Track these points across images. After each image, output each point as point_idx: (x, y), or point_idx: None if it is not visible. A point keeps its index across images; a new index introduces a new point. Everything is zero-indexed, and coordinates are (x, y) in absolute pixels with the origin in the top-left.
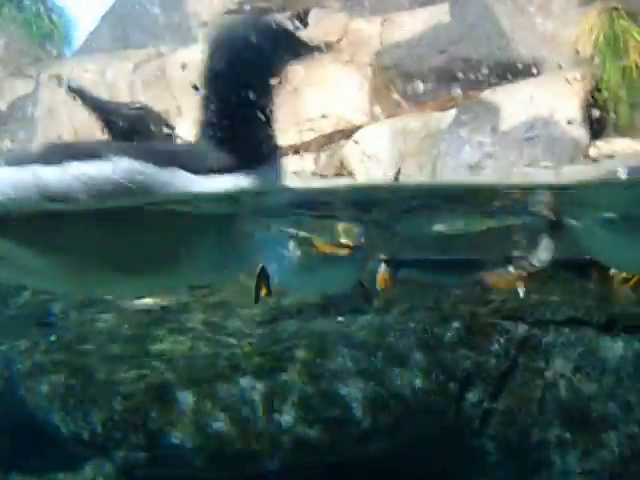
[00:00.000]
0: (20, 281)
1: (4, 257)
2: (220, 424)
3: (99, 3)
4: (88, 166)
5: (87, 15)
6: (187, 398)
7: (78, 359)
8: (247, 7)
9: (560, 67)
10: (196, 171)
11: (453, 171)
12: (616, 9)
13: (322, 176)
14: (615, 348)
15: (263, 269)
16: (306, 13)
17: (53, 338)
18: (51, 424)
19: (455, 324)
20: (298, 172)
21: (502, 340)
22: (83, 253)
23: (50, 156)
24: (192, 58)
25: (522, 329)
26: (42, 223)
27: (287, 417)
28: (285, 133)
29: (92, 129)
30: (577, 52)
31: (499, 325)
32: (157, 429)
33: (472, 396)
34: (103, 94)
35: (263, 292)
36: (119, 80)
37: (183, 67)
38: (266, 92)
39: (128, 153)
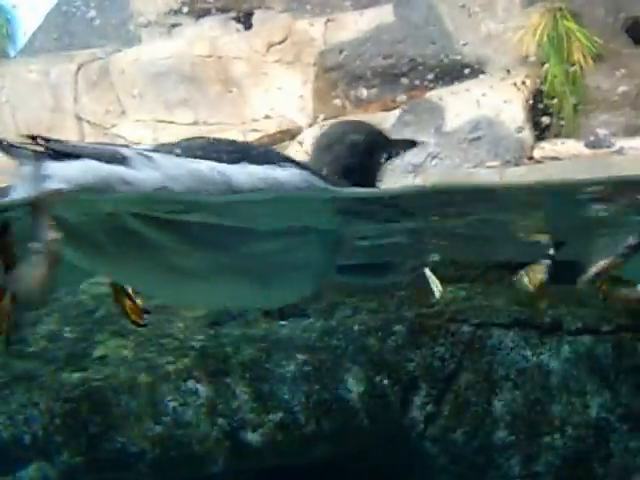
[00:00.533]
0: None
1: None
2: (163, 428)
3: (43, 2)
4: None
5: (31, 14)
6: (129, 402)
7: (19, 362)
8: (185, 10)
9: (504, 67)
10: None
11: (397, 171)
12: (560, 9)
13: None
14: (560, 350)
15: None
16: (250, 14)
17: None
18: None
19: (399, 327)
20: None
21: (447, 343)
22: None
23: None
24: (135, 58)
25: (467, 331)
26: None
27: (230, 421)
28: (229, 133)
29: (37, 129)
30: (521, 52)
31: (444, 328)
32: (99, 433)
33: (417, 399)
34: (47, 94)
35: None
36: (63, 81)
37: (123, 71)
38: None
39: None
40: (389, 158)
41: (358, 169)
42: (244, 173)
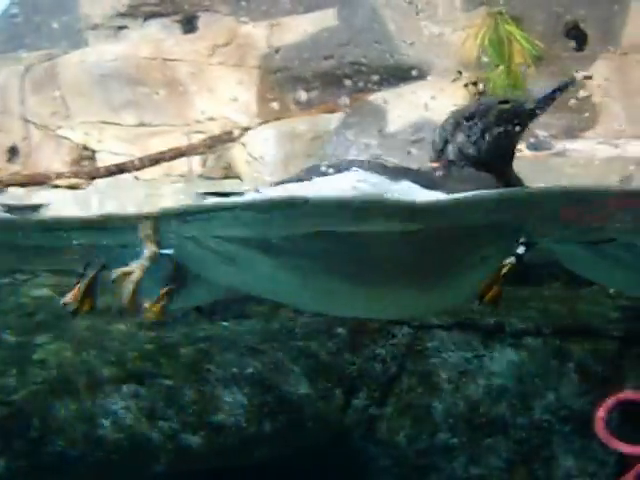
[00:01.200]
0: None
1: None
2: (104, 431)
3: None
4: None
5: None
6: (70, 405)
7: None
8: (131, 13)
9: (446, 70)
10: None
11: None
12: (500, 13)
13: (209, 178)
14: (502, 352)
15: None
16: (195, 17)
17: None
18: None
19: (340, 329)
20: (185, 175)
21: (388, 345)
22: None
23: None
24: (82, 60)
25: (408, 333)
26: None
27: (171, 423)
28: (173, 135)
29: None
30: (464, 55)
31: (385, 330)
32: (39, 437)
33: (358, 402)
34: None
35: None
36: (9, 83)
37: (69, 73)
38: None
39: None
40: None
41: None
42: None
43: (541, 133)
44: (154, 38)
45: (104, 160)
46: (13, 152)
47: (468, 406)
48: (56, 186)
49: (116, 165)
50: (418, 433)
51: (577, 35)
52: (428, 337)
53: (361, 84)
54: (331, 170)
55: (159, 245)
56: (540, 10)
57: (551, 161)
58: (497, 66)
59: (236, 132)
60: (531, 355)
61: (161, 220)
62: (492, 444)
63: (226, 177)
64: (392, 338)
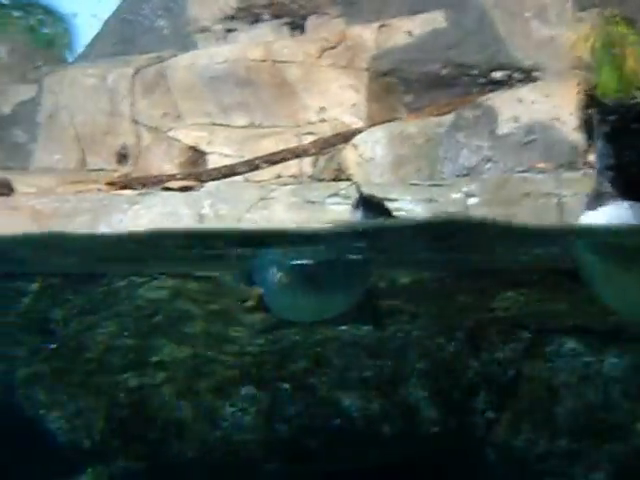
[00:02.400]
0: None
1: None
2: (221, 432)
3: (102, 9)
4: None
5: (90, 21)
6: (187, 407)
7: (78, 367)
8: (240, 16)
9: (557, 73)
10: None
11: (451, 175)
12: (613, 15)
13: (320, 180)
14: (620, 357)
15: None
16: (303, 19)
17: (53, 345)
18: (50, 432)
19: (458, 333)
20: (296, 176)
21: (507, 348)
22: None
23: None
24: (191, 63)
25: (527, 337)
26: None
27: (289, 426)
28: (283, 136)
29: (94, 133)
30: (574, 58)
31: (503, 333)
32: (156, 438)
33: (477, 405)
34: (104, 99)
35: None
36: (120, 85)
37: (179, 76)
38: None
39: None
40: None
41: None
42: None
43: None
44: (263, 40)
45: (215, 162)
46: (123, 154)
47: (587, 411)
48: (167, 188)
49: (227, 167)
50: (537, 437)
51: None
52: (547, 341)
53: (471, 86)
54: None
55: None
56: None
57: None
58: (608, 69)
59: (347, 134)
60: None
61: None
62: (611, 449)
63: (337, 178)
64: (511, 342)
